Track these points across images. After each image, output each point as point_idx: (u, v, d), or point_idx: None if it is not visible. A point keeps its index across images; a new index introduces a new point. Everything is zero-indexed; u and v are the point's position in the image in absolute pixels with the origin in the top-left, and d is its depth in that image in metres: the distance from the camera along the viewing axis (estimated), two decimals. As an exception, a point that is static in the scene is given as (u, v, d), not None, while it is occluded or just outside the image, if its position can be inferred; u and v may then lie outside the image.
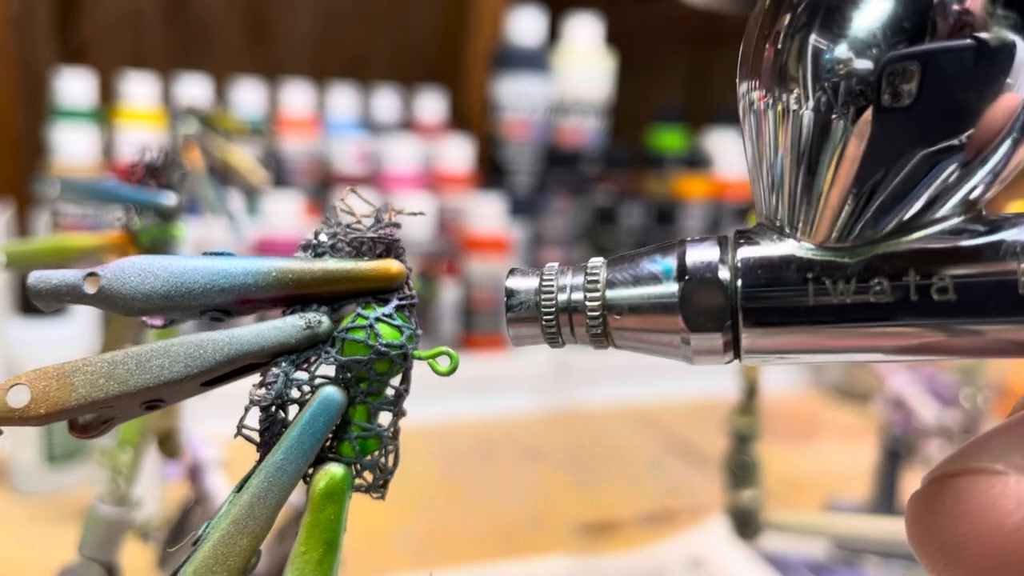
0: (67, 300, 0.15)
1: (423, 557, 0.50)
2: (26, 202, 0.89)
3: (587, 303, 0.16)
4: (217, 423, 0.42)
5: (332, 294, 0.16)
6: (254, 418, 0.15)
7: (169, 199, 0.31)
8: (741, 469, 0.44)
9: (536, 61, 0.94)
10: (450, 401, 0.74)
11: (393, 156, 0.86)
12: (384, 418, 0.16)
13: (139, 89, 0.81)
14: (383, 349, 0.15)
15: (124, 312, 0.15)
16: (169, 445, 0.35)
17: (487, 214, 0.79)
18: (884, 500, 0.53)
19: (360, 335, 0.15)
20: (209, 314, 0.16)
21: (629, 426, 0.74)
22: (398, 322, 0.15)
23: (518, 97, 0.94)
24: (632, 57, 1.07)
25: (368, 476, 0.16)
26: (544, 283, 0.17)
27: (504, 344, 0.81)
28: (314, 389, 0.15)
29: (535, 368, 0.78)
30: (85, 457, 0.56)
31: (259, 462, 0.15)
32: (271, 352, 0.15)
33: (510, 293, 0.17)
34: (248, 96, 0.87)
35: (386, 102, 0.94)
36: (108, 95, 0.87)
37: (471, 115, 1.03)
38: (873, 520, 0.50)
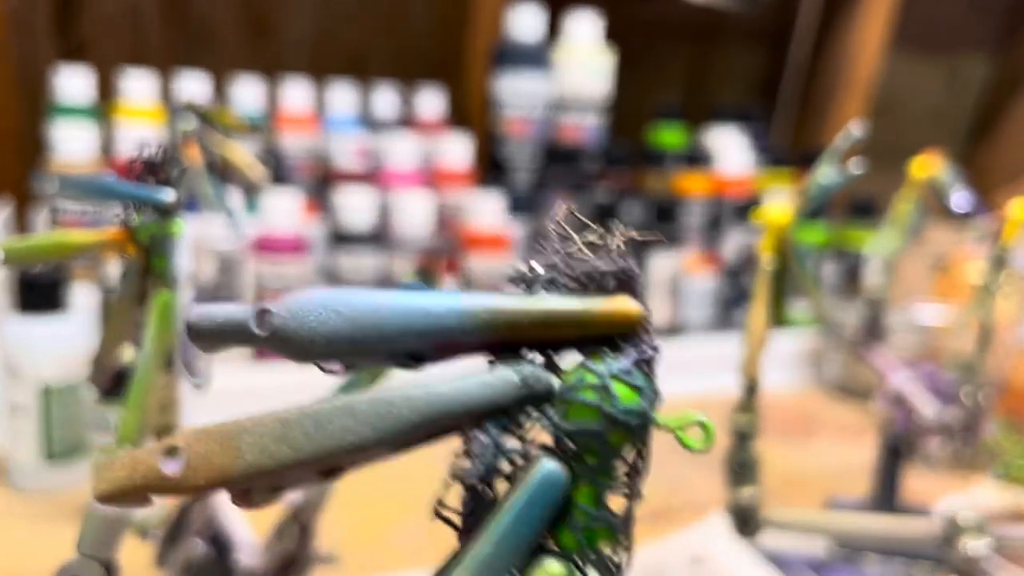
0: (233, 342, 0.13)
1: (423, 556, 0.50)
2: (25, 199, 0.89)
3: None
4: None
5: (551, 340, 0.13)
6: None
7: (168, 196, 0.30)
8: (741, 467, 0.44)
9: (536, 58, 0.94)
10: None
11: (393, 153, 0.86)
12: (615, 503, 0.13)
13: (138, 86, 0.81)
14: (621, 417, 0.12)
15: (300, 358, 0.13)
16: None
17: (487, 211, 0.79)
18: (884, 497, 0.53)
19: (591, 397, 0.12)
20: (399, 360, 0.13)
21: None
22: (638, 382, 0.13)
23: (518, 94, 0.94)
24: (632, 54, 1.07)
25: (592, 574, 0.13)
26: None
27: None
28: (528, 461, 0.12)
29: (535, 365, 0.78)
30: (84, 455, 0.56)
31: (459, 552, 0.13)
32: (476, 413, 0.12)
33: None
34: (247, 93, 0.87)
35: (386, 99, 0.94)
36: (107, 92, 0.87)
37: (471, 112, 1.02)
38: (873, 518, 0.50)
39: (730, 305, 0.92)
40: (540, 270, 0.13)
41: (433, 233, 0.80)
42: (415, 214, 0.77)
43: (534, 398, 0.12)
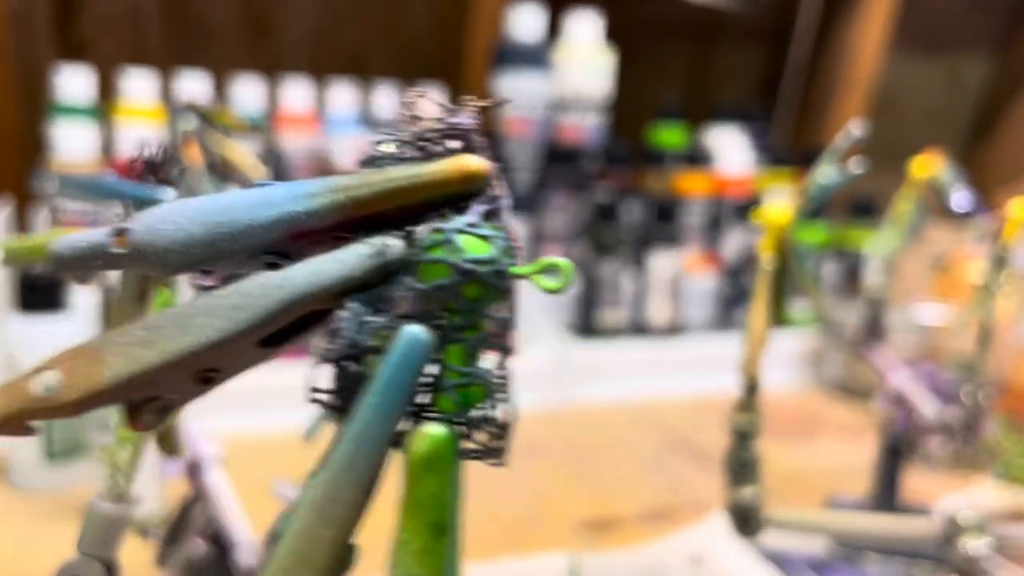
0: (97, 265, 0.13)
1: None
2: (25, 198, 0.89)
3: None
4: (216, 420, 0.42)
5: (403, 212, 0.12)
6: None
7: (169, 195, 0.30)
8: (741, 466, 0.44)
9: (536, 58, 0.94)
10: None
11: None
12: (489, 359, 0.13)
13: (138, 85, 0.81)
14: (468, 267, 0.12)
15: (162, 270, 0.12)
16: (168, 442, 0.34)
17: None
18: (885, 497, 0.53)
19: (439, 253, 0.12)
20: (263, 259, 0.13)
21: (630, 423, 0.74)
22: (485, 231, 0.12)
23: (518, 94, 0.94)
24: (632, 53, 1.07)
25: (481, 436, 0.13)
26: None
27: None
28: (394, 331, 0.12)
29: (536, 364, 0.78)
30: (84, 454, 0.56)
31: (338, 432, 0.12)
32: (335, 291, 0.12)
33: None
34: (247, 93, 0.87)
35: (386, 99, 0.94)
36: (108, 92, 0.87)
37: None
38: (873, 517, 0.50)
39: (730, 305, 0.92)
40: (390, 148, 0.13)
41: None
42: (415, 214, 0.77)
43: (390, 268, 0.12)
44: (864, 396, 0.80)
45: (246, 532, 0.38)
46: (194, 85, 0.83)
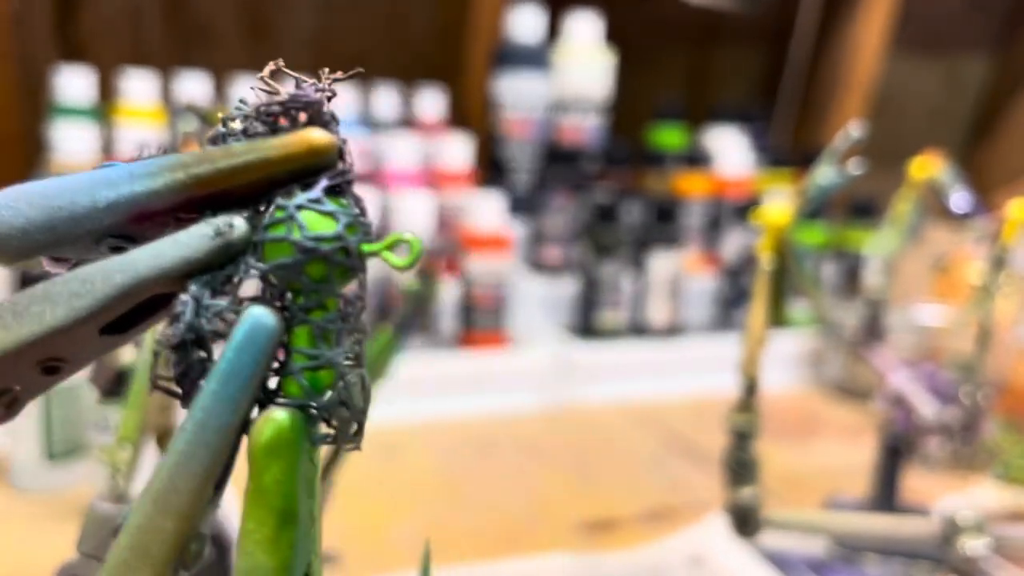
0: None
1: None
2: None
3: None
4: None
5: (249, 190, 0.12)
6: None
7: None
8: (741, 466, 0.44)
9: (536, 59, 0.94)
10: (451, 398, 0.74)
11: (393, 154, 0.86)
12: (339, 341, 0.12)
13: (139, 86, 0.81)
14: (311, 244, 0.11)
15: (3, 258, 0.12)
16: (168, 442, 0.35)
17: (487, 211, 0.79)
18: (884, 497, 0.53)
19: (280, 231, 0.11)
20: (107, 243, 0.12)
21: (629, 424, 0.74)
22: (329, 207, 0.12)
23: (518, 95, 0.94)
24: (632, 54, 1.07)
25: (335, 422, 0.12)
26: None
27: (504, 341, 0.81)
28: (239, 315, 0.12)
29: (535, 365, 0.78)
30: (84, 454, 0.56)
31: (184, 421, 0.12)
32: (177, 275, 0.12)
33: None
34: (247, 94, 0.87)
35: (386, 100, 0.94)
36: (108, 92, 0.87)
37: (471, 113, 1.02)
38: (873, 518, 0.50)
39: (730, 305, 0.92)
40: (236, 124, 0.13)
41: (434, 233, 0.80)
42: (416, 214, 0.77)
43: (234, 249, 0.12)
44: (863, 397, 0.80)
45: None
46: (194, 86, 0.83)
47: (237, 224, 0.12)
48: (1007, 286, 0.52)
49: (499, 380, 0.76)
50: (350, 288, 0.12)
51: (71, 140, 0.74)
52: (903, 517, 0.48)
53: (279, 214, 0.12)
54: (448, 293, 0.80)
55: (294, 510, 0.11)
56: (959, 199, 0.54)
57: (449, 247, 0.82)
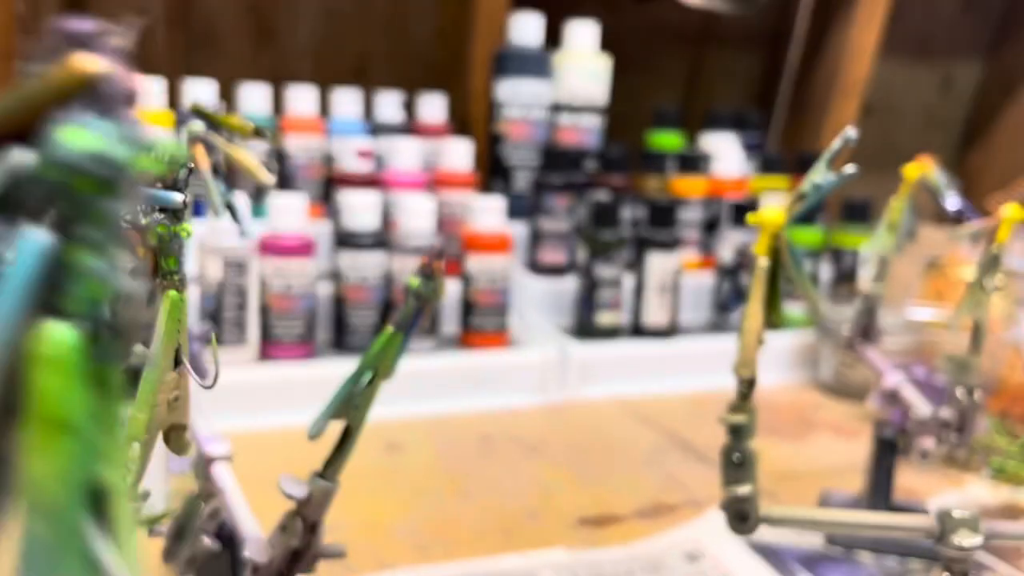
0: None
1: (424, 550, 0.51)
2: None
3: None
4: (223, 418, 0.43)
5: (34, 126, 0.12)
6: None
7: (177, 198, 0.31)
8: (737, 464, 0.45)
9: (536, 63, 0.95)
10: (450, 396, 0.74)
11: (396, 157, 0.87)
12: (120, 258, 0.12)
13: (145, 90, 0.82)
14: (72, 159, 0.11)
15: None
16: (176, 440, 0.35)
17: (487, 213, 0.80)
18: (879, 494, 0.54)
19: (46, 152, 0.12)
20: None
21: (627, 422, 0.75)
22: (95, 124, 0.12)
23: (518, 99, 0.95)
24: (630, 59, 1.08)
25: (108, 335, 0.12)
26: None
27: (504, 341, 0.81)
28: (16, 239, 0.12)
29: (535, 364, 0.79)
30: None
31: None
32: None
33: None
34: (254, 98, 0.88)
35: (389, 104, 0.95)
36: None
37: (472, 117, 1.03)
38: (868, 514, 0.50)
39: (727, 306, 0.93)
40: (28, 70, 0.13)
41: (435, 234, 0.80)
42: (418, 216, 0.78)
43: (21, 179, 0.12)
44: (858, 396, 0.81)
45: (252, 528, 0.38)
46: (200, 91, 0.84)
47: (20, 155, 0.12)
48: (1001, 286, 0.53)
49: (499, 379, 0.77)
50: (121, 202, 0.12)
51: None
52: (898, 514, 0.48)
53: (48, 137, 0.12)
54: (448, 293, 0.81)
55: (69, 420, 0.11)
56: (953, 201, 0.55)
57: (450, 248, 0.83)
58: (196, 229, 0.39)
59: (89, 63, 0.12)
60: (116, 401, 0.12)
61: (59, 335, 0.11)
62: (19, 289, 0.11)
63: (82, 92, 0.12)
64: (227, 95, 0.88)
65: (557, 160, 0.91)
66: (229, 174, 0.44)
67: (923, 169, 0.54)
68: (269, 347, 0.73)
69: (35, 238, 0.11)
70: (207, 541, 0.39)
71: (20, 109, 0.12)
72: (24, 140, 0.12)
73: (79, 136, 0.12)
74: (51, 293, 0.12)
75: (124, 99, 0.12)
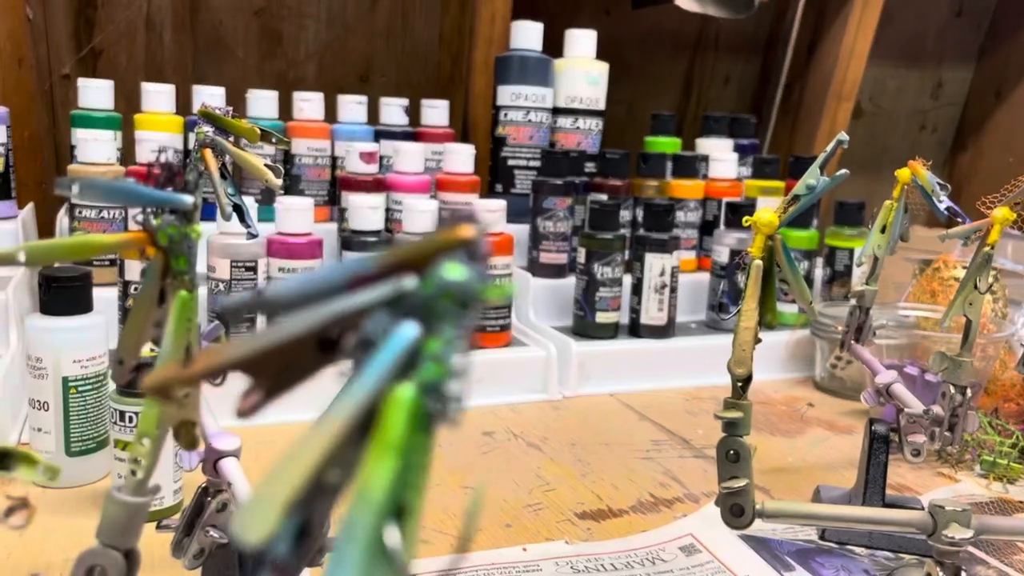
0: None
1: (425, 544, 0.52)
2: (46, 203, 0.91)
3: None
4: (233, 416, 0.44)
5: (421, 261, 0.16)
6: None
7: (187, 200, 0.32)
8: (733, 459, 0.46)
9: (537, 70, 0.97)
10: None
11: (399, 160, 0.88)
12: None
13: (156, 94, 0.83)
14: (455, 288, 0.16)
15: (271, 311, 0.17)
16: (186, 436, 0.36)
17: (489, 215, 0.81)
18: (873, 490, 0.55)
19: (432, 283, 0.16)
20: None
21: (626, 418, 0.76)
22: (465, 266, 0.16)
23: (520, 104, 0.96)
24: (628, 65, 1.09)
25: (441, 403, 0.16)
26: None
27: (505, 340, 0.83)
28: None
29: (535, 362, 0.80)
30: (104, 449, 0.57)
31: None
32: (368, 308, 0.16)
33: None
34: (262, 102, 0.89)
35: (393, 109, 0.97)
36: (126, 100, 0.89)
37: (474, 121, 1.05)
38: (861, 509, 0.51)
39: (722, 306, 0.94)
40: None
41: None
42: (421, 217, 0.79)
43: (408, 294, 0.16)
44: (852, 393, 0.82)
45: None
46: (210, 96, 0.85)
47: (408, 279, 0.16)
48: (992, 285, 0.54)
49: (500, 377, 0.78)
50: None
51: (91, 146, 0.75)
52: (891, 509, 0.49)
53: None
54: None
55: (399, 446, 0.15)
56: (945, 203, 0.56)
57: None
58: (205, 230, 0.40)
59: (469, 231, 0.16)
60: (431, 445, 0.16)
61: (407, 388, 0.15)
62: (391, 359, 0.15)
63: (461, 246, 0.16)
64: (235, 100, 0.90)
65: (557, 163, 0.92)
66: (238, 176, 0.45)
67: (915, 171, 0.55)
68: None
69: (410, 328, 0.16)
70: (216, 535, 0.40)
71: (418, 253, 0.16)
72: (416, 272, 0.16)
73: (455, 269, 0.16)
74: (409, 367, 0.16)
75: (483, 256, 0.17)
